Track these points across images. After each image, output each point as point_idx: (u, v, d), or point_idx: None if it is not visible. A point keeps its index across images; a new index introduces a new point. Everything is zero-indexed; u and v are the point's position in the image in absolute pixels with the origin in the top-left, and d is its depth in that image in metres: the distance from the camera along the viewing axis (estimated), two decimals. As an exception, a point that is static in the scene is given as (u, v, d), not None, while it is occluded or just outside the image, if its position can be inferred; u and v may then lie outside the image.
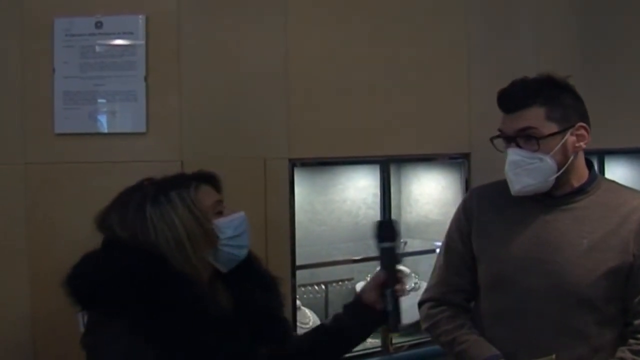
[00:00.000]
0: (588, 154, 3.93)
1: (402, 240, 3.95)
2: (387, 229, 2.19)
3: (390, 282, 2.13)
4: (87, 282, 1.86)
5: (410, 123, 3.41)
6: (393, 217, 3.56)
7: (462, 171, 3.62)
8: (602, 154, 4.10)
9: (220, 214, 2.04)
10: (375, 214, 3.64)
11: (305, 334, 2.38)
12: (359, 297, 2.25)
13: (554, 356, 2.11)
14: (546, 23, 3.79)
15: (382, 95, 3.33)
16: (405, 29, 3.40)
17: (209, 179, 2.09)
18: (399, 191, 4.06)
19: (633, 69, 4.04)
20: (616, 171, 4.32)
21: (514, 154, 2.23)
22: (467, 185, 3.56)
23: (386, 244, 2.16)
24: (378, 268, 2.21)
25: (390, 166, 3.51)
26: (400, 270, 2.18)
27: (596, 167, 3.98)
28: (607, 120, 3.77)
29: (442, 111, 3.49)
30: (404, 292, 2.16)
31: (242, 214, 2.10)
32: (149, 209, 1.93)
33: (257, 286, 2.14)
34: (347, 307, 2.30)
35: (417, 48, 3.42)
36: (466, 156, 3.58)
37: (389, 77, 3.35)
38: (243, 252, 2.09)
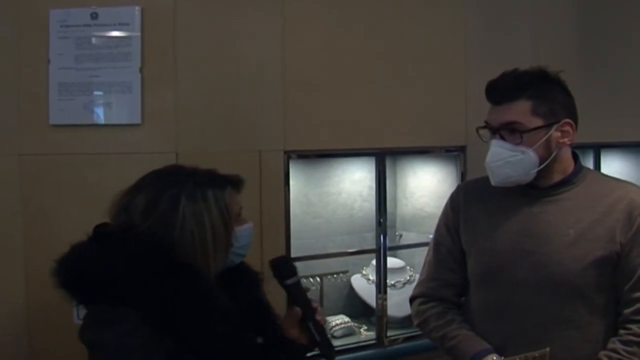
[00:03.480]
0: (584, 147, 3.98)
1: (398, 233, 3.98)
2: (284, 266, 2.16)
3: (308, 315, 2.11)
4: (86, 274, 1.84)
5: (406, 115, 3.41)
6: (388, 209, 3.56)
7: (458, 164, 3.62)
8: (598, 148, 4.11)
9: (238, 221, 2.07)
10: (371, 207, 3.64)
11: None
12: (283, 335, 2.18)
13: (547, 349, 2.11)
14: (544, 17, 3.78)
15: (378, 87, 3.33)
16: (402, 22, 3.40)
17: (239, 185, 2.10)
18: (395, 184, 4.06)
19: (630, 63, 4.05)
20: (612, 164, 4.33)
21: (496, 146, 2.24)
22: (463, 178, 3.56)
23: (290, 281, 2.13)
24: (289, 304, 2.16)
25: (386, 158, 3.50)
26: (312, 300, 2.15)
27: (592, 161, 4.06)
28: (603, 114, 3.80)
29: (438, 104, 3.49)
30: (324, 320, 2.16)
31: (252, 224, 2.13)
32: (184, 202, 1.93)
33: (244, 282, 2.16)
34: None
35: (414, 41, 3.42)
36: (462, 149, 3.58)
37: (386, 70, 3.35)
38: (239, 260, 2.13)
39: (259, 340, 2.09)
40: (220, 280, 2.06)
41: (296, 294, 2.14)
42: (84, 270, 1.85)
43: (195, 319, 1.86)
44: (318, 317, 2.12)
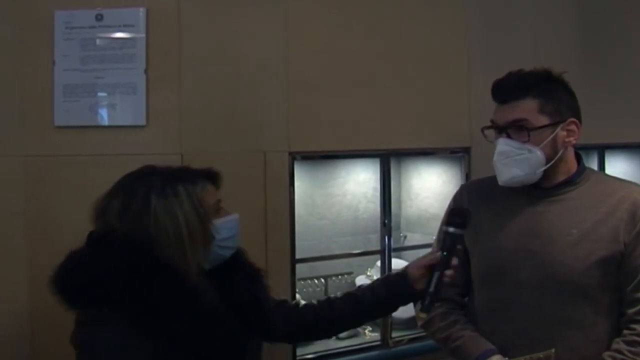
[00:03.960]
0: (588, 148, 3.98)
1: (402, 234, 3.98)
2: (460, 216, 2.19)
3: (442, 265, 2.14)
4: (78, 280, 1.85)
5: (410, 117, 3.41)
6: (393, 211, 3.56)
7: (463, 165, 3.62)
8: (602, 149, 4.10)
9: (218, 214, 2.05)
10: (376, 208, 3.64)
11: (330, 301, 2.36)
12: (405, 271, 2.25)
13: (553, 350, 2.12)
14: (546, 17, 3.78)
15: (382, 88, 3.33)
16: (405, 22, 3.40)
17: (214, 178, 2.09)
18: (399, 185, 4.06)
19: (633, 63, 4.04)
20: (616, 166, 4.32)
21: (503, 144, 2.24)
22: (467, 179, 3.55)
23: (450, 229, 2.17)
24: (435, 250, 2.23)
25: (390, 160, 3.51)
26: (454, 259, 2.17)
27: (596, 162, 4.05)
28: (607, 115, 3.79)
29: (442, 105, 3.49)
30: (448, 280, 2.16)
31: (236, 216, 2.11)
32: (154, 200, 1.92)
33: (242, 279, 2.14)
34: (389, 280, 2.31)
35: (417, 41, 3.43)
36: (467, 150, 3.58)
37: (390, 71, 3.35)
38: (230, 253, 2.10)
39: (252, 342, 2.10)
40: (214, 276, 2.07)
41: (448, 243, 2.17)
42: (71, 276, 1.87)
43: (176, 320, 1.86)
44: (447, 273, 2.14)
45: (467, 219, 2.19)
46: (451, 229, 2.16)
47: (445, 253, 2.15)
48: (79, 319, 1.90)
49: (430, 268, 2.17)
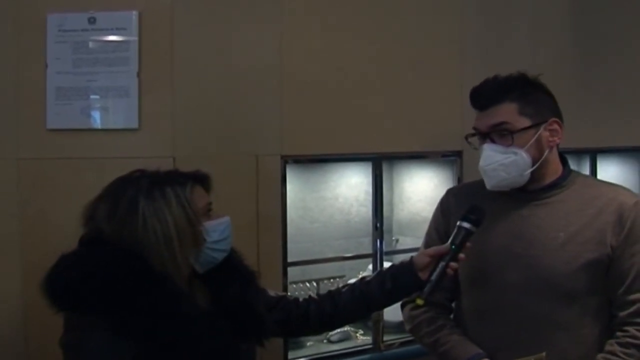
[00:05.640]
0: (580, 152, 3.99)
1: (394, 238, 3.98)
2: (475, 213, 2.23)
3: (448, 257, 2.19)
4: (62, 282, 1.84)
5: (403, 120, 3.41)
6: (385, 214, 3.56)
7: (455, 169, 3.63)
8: (595, 153, 4.11)
9: (208, 216, 2.05)
10: (368, 212, 3.64)
11: (332, 295, 2.40)
12: (411, 260, 2.29)
13: (544, 354, 2.12)
14: (541, 21, 3.80)
15: (375, 92, 3.33)
16: (399, 26, 3.40)
17: (203, 180, 2.08)
18: (391, 189, 4.07)
19: (627, 68, 4.05)
20: (608, 170, 4.33)
21: (488, 149, 2.26)
22: (459, 183, 3.55)
23: (464, 224, 2.21)
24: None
25: (382, 163, 3.51)
26: (461, 253, 2.21)
27: (588, 166, 4.06)
28: (599, 119, 3.80)
29: (435, 109, 3.50)
30: (451, 272, 2.21)
31: (227, 218, 2.10)
32: (142, 203, 1.92)
33: (236, 282, 2.13)
34: (395, 271, 2.33)
35: (411, 45, 3.43)
36: (459, 154, 3.59)
37: (382, 75, 3.36)
38: (222, 256, 2.09)
39: (244, 345, 2.10)
40: (208, 280, 2.07)
41: (459, 237, 2.21)
42: (58, 278, 1.86)
43: (161, 324, 1.85)
44: (452, 265, 2.19)
45: (482, 219, 2.23)
46: (466, 225, 2.21)
47: (453, 247, 2.20)
48: (67, 321, 1.90)
49: (436, 258, 2.21)
